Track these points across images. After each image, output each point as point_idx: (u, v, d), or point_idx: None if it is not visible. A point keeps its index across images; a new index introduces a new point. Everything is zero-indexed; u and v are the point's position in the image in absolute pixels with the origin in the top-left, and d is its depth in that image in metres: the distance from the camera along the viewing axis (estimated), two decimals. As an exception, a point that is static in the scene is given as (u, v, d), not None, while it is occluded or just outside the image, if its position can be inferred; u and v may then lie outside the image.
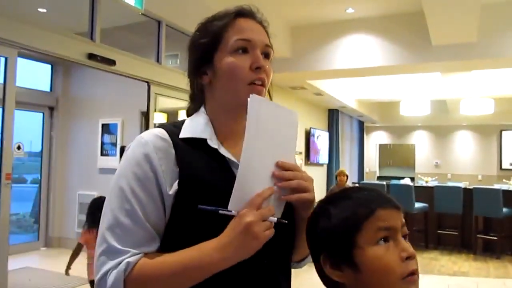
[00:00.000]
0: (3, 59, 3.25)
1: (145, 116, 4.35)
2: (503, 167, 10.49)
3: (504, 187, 6.97)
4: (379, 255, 0.74)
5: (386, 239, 0.75)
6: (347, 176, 6.19)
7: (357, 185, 7.39)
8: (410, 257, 0.74)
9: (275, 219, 0.83)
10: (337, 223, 0.78)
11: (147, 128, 4.27)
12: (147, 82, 4.25)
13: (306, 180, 0.89)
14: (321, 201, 0.86)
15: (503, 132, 10.57)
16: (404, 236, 0.78)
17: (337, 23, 5.54)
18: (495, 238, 6.34)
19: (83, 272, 3.14)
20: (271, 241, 0.83)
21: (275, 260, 0.93)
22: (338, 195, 0.84)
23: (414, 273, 0.74)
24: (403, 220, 0.79)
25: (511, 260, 6.27)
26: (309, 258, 1.06)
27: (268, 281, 0.91)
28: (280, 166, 0.88)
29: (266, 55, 0.96)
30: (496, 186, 7.11)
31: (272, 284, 0.92)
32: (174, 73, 4.37)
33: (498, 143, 10.65)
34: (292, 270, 1.03)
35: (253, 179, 0.84)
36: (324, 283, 0.82)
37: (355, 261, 0.75)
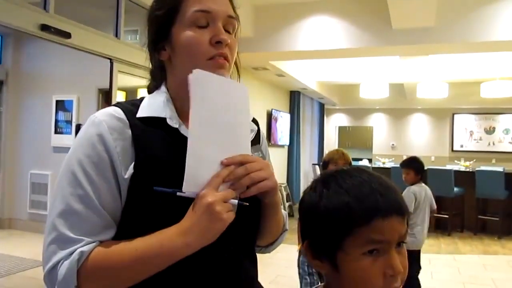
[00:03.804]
0: None
1: (107, 95, 4.16)
2: (455, 148, 10.96)
3: (455, 167, 7.31)
4: (363, 267, 0.67)
5: (376, 250, 0.67)
6: (350, 164, 3.05)
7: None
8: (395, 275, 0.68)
9: (236, 201, 0.78)
10: (327, 218, 0.69)
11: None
12: (110, 59, 4.05)
13: (261, 168, 0.82)
14: (320, 178, 0.76)
15: (455, 116, 11.00)
16: (399, 244, 0.70)
17: (300, 3, 5.50)
18: (446, 216, 6.66)
19: (36, 254, 3.03)
20: (237, 226, 0.79)
21: (241, 246, 0.89)
22: (338, 183, 0.71)
23: None
24: (405, 228, 0.69)
25: (460, 236, 6.62)
26: (277, 243, 1.03)
27: (235, 268, 0.87)
28: (226, 165, 0.80)
29: (230, 28, 0.88)
30: (448, 167, 7.44)
31: (240, 270, 0.89)
32: (134, 49, 4.21)
33: (450, 126, 11.09)
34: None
35: (205, 160, 0.79)
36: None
37: (337, 263, 0.69)
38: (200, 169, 0.79)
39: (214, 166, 0.80)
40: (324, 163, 3.03)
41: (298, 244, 2.62)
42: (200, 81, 0.81)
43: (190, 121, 0.79)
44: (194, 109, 0.80)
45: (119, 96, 5.51)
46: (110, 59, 4.06)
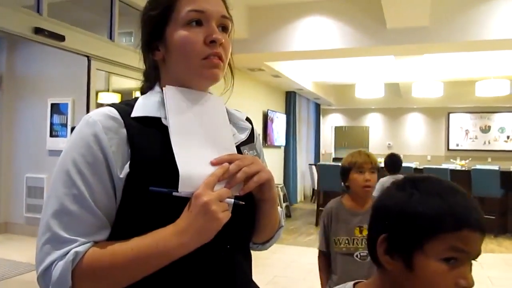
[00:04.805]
0: None
1: (87, 95, 4.13)
2: (450, 148, 11.00)
3: (451, 166, 7.34)
4: (438, 272, 0.68)
5: (453, 259, 0.69)
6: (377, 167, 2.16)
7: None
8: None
9: (232, 200, 0.79)
10: (416, 218, 0.70)
11: (88, 109, 4.08)
12: (87, 56, 3.97)
13: (251, 162, 0.84)
14: (408, 179, 0.77)
15: (451, 115, 11.04)
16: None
17: (295, 4, 5.50)
18: (442, 215, 6.67)
19: (33, 258, 3.01)
20: (233, 224, 0.79)
21: (237, 244, 0.90)
22: (433, 186, 0.74)
23: None
24: (480, 247, 0.71)
25: (456, 236, 6.63)
26: (274, 240, 1.04)
27: (231, 266, 0.87)
28: (215, 164, 0.82)
29: (224, 28, 0.89)
30: (444, 166, 7.47)
31: (236, 269, 0.89)
32: (128, 51, 4.20)
33: (446, 125, 11.13)
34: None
35: (197, 161, 0.81)
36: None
37: (412, 263, 0.70)
38: (194, 169, 0.80)
39: (207, 166, 0.82)
40: (344, 170, 2.20)
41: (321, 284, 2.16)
42: (173, 94, 0.86)
43: (169, 129, 0.84)
44: (171, 118, 0.85)
45: (114, 98, 5.51)
46: (88, 57, 3.99)
